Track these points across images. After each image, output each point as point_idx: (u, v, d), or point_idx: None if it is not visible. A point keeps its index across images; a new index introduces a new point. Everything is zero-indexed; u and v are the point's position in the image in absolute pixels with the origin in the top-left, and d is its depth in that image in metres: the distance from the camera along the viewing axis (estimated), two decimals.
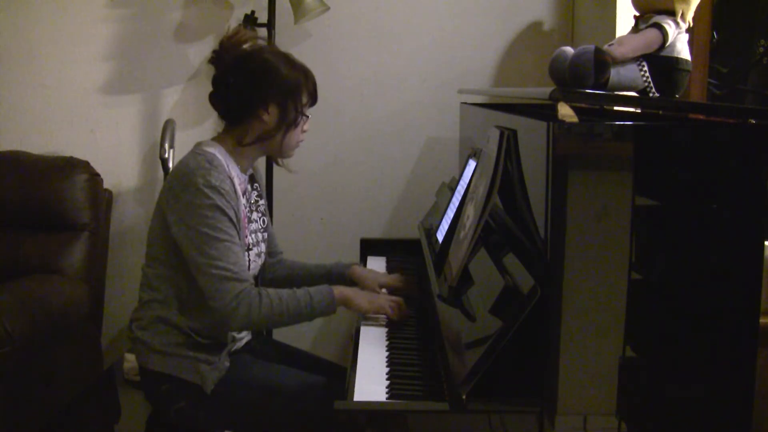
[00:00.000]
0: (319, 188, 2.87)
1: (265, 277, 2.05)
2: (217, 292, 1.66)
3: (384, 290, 2.00)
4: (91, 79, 2.81)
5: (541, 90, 1.37)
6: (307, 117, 1.86)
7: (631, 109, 1.84)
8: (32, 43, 2.80)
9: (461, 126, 2.54)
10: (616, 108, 1.88)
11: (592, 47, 1.55)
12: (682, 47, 1.62)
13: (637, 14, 1.70)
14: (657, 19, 1.60)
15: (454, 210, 1.76)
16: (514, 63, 2.78)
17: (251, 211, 1.90)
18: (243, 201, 1.82)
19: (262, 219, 1.97)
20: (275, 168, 2.02)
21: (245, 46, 1.81)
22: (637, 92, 1.63)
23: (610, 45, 1.60)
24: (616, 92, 1.61)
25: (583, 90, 1.52)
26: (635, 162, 1.19)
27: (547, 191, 1.21)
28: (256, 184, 1.95)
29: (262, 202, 1.99)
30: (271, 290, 1.72)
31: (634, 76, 1.60)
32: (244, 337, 1.94)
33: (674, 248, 1.22)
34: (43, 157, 2.71)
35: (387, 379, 1.49)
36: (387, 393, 1.43)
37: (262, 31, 2.63)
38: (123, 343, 2.83)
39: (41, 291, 2.39)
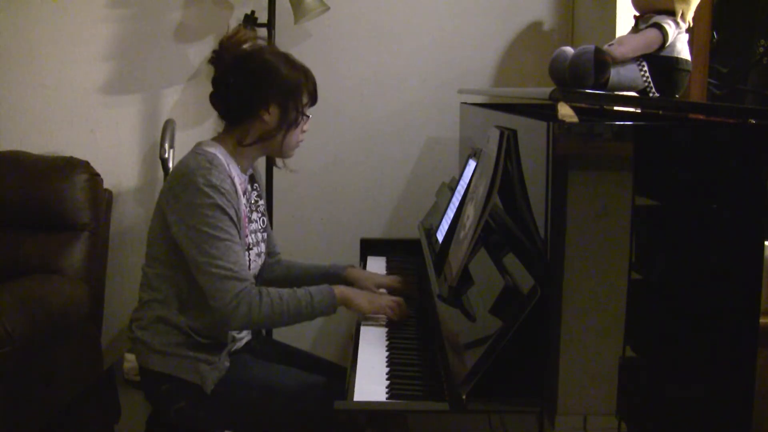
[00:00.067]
0: (319, 188, 2.87)
1: (262, 278, 2.05)
2: (218, 291, 1.66)
3: (383, 290, 2.00)
4: (91, 79, 2.81)
5: (541, 90, 1.37)
6: (308, 117, 1.86)
7: (631, 109, 1.84)
8: (32, 43, 2.80)
9: (461, 126, 2.54)
10: (616, 108, 1.88)
11: (592, 47, 1.55)
12: (682, 47, 1.62)
13: (637, 14, 1.70)
14: (657, 19, 1.60)
15: (454, 210, 1.76)
16: (514, 63, 2.78)
17: (251, 211, 1.90)
18: (243, 201, 1.82)
19: (261, 219, 1.97)
20: (275, 168, 2.02)
21: (245, 46, 1.81)
22: (637, 92, 1.63)
23: (610, 45, 1.60)
24: (616, 92, 1.61)
25: (583, 90, 1.52)
26: (635, 162, 1.19)
27: (547, 191, 1.21)
28: (255, 185, 1.95)
29: (261, 202, 1.99)
30: (271, 289, 1.72)
31: (634, 76, 1.60)
32: (244, 337, 1.94)
33: (674, 248, 1.22)
34: (43, 157, 2.71)
35: (387, 379, 1.49)
36: (387, 393, 1.43)
37: (262, 31, 2.63)
38: (123, 343, 2.83)
39: (41, 291, 2.39)
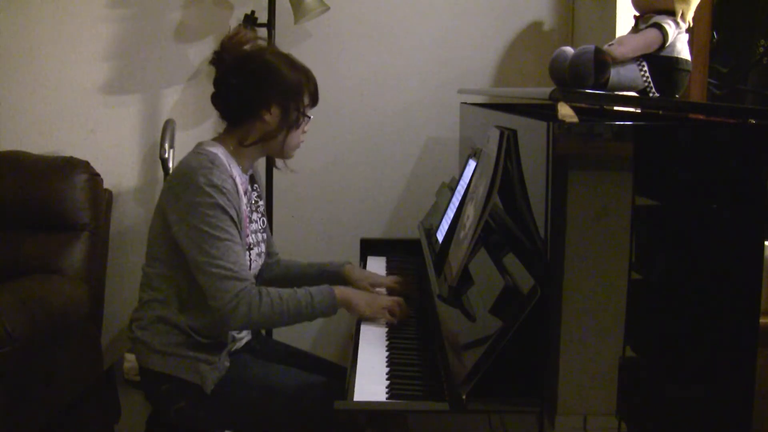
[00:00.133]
0: (319, 188, 2.87)
1: (262, 278, 2.05)
2: (217, 291, 1.66)
3: (384, 290, 2.00)
4: (91, 79, 2.81)
5: (541, 90, 1.37)
6: (309, 118, 1.86)
7: (631, 109, 1.84)
8: (32, 43, 2.80)
9: (461, 126, 2.54)
10: (616, 108, 1.88)
11: (592, 47, 1.55)
12: (682, 47, 1.62)
13: (637, 14, 1.70)
14: (657, 19, 1.60)
15: (454, 210, 1.76)
16: (514, 63, 2.78)
17: (252, 211, 1.90)
18: (244, 201, 1.82)
19: (261, 219, 1.98)
20: (275, 168, 2.02)
21: (246, 47, 1.81)
22: (637, 92, 1.63)
23: (610, 45, 1.60)
24: (616, 92, 1.61)
25: (583, 90, 1.52)
26: (635, 162, 1.19)
27: (547, 191, 1.21)
28: (255, 185, 1.96)
29: (261, 202, 1.99)
30: (271, 289, 1.72)
31: (634, 76, 1.60)
32: (244, 337, 1.94)
33: (674, 248, 1.21)
34: (43, 157, 2.71)
35: (387, 379, 1.49)
36: (387, 393, 1.43)
37: (262, 31, 2.63)
38: (123, 343, 2.83)
39: (41, 291, 2.39)
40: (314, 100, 1.87)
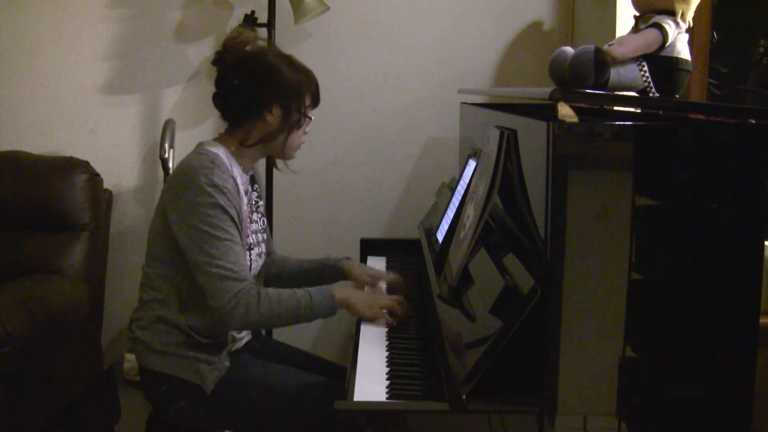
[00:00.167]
0: (319, 188, 2.87)
1: (261, 277, 2.05)
2: (216, 291, 1.66)
3: (383, 288, 2.00)
4: (91, 79, 2.81)
5: (541, 90, 1.37)
6: (310, 118, 1.86)
7: (631, 109, 1.84)
8: (32, 43, 2.80)
9: (461, 126, 2.54)
10: (616, 108, 1.88)
11: (592, 47, 1.55)
12: (682, 47, 1.62)
13: (637, 14, 1.70)
14: (657, 19, 1.60)
15: (454, 210, 1.76)
16: (514, 63, 2.78)
17: (252, 212, 1.90)
18: (245, 201, 1.82)
19: (262, 220, 1.98)
20: (275, 168, 2.02)
21: (248, 47, 1.81)
22: (637, 92, 1.63)
23: (610, 45, 1.60)
24: (616, 92, 1.61)
25: (583, 90, 1.52)
26: (635, 162, 1.19)
27: (547, 191, 1.21)
28: (256, 185, 1.96)
29: (261, 202, 1.99)
30: (271, 290, 1.71)
31: (634, 76, 1.60)
32: (244, 337, 1.94)
33: (674, 248, 1.21)
34: (43, 157, 2.71)
35: (387, 379, 1.49)
36: (387, 393, 1.42)
37: (262, 31, 2.63)
38: (123, 343, 2.82)
39: (41, 291, 2.39)
40: (315, 101, 1.87)
